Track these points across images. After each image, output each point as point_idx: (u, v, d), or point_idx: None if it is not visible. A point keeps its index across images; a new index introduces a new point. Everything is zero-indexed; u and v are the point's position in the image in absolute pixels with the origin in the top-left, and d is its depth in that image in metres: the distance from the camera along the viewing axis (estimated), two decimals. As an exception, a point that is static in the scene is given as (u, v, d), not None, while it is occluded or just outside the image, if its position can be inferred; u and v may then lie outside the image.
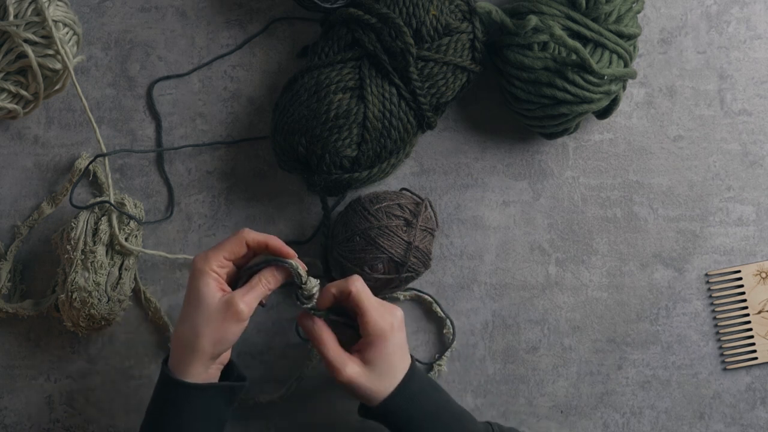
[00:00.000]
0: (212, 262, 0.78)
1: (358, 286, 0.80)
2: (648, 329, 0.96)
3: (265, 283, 0.79)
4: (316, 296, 0.81)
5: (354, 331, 0.82)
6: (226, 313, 0.77)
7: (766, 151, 0.97)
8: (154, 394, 0.80)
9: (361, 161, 0.89)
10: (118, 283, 0.90)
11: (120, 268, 0.91)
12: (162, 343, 0.95)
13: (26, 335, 0.95)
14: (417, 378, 0.82)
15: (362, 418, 0.84)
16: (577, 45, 0.86)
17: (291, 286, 0.81)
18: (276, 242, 0.80)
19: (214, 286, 0.77)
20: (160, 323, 0.94)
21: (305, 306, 0.81)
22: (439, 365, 0.95)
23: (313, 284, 0.80)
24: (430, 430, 0.80)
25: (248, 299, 0.77)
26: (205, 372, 0.78)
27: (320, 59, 0.90)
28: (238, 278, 0.81)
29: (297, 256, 0.80)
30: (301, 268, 0.80)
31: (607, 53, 0.88)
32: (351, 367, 0.79)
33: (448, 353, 0.95)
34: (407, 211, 0.88)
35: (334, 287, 0.81)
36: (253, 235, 0.79)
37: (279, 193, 0.96)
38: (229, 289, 0.79)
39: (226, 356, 0.80)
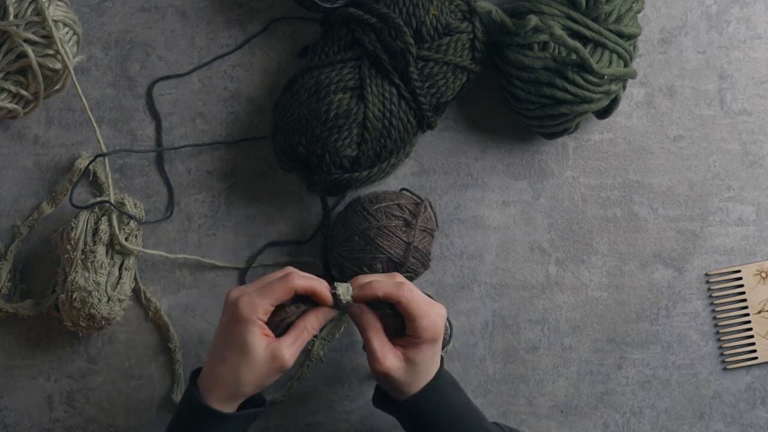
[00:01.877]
0: (260, 311, 0.76)
1: (407, 294, 0.78)
2: (648, 329, 0.96)
3: (310, 329, 0.79)
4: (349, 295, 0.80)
5: (394, 320, 0.81)
6: (272, 364, 0.77)
7: (766, 151, 0.97)
8: (182, 416, 0.80)
9: (361, 161, 0.89)
10: (118, 283, 0.90)
11: (120, 268, 0.91)
12: (162, 342, 0.95)
13: (26, 335, 0.95)
14: (445, 375, 0.82)
15: (378, 408, 0.84)
16: (577, 45, 0.86)
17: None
18: (322, 290, 0.78)
19: (260, 335, 0.76)
20: (160, 323, 0.95)
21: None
22: None
23: (344, 292, 0.79)
24: (455, 427, 0.80)
25: (294, 350, 0.78)
26: (236, 404, 0.79)
27: (320, 59, 0.90)
28: (271, 318, 0.79)
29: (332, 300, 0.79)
30: (338, 293, 0.79)
31: (607, 53, 0.88)
32: (391, 360, 0.78)
33: (443, 353, 0.95)
34: (407, 211, 0.88)
35: (381, 291, 0.78)
36: (302, 282, 0.77)
37: (279, 193, 0.96)
38: (270, 333, 0.78)
39: None
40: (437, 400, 0.80)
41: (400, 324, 0.80)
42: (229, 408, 0.78)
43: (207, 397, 0.78)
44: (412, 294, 0.78)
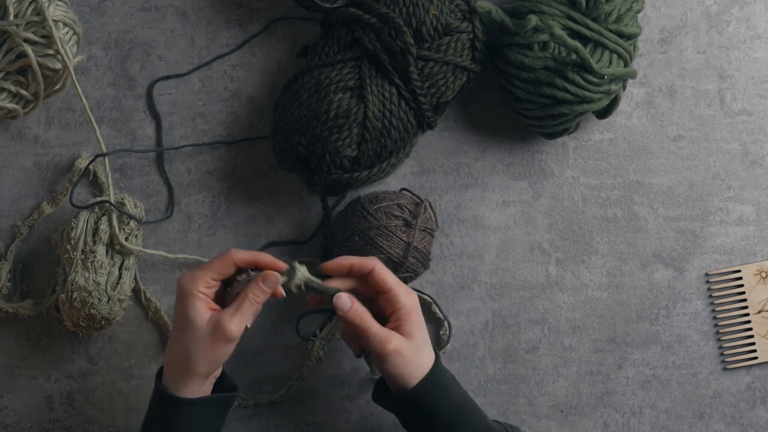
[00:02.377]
0: (199, 283, 0.77)
1: (379, 265, 0.80)
2: (648, 329, 0.96)
3: (253, 299, 0.78)
4: (307, 276, 0.79)
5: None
6: (215, 335, 0.76)
7: (766, 150, 0.97)
8: (151, 410, 0.80)
9: (361, 161, 0.89)
10: (118, 283, 0.90)
11: (120, 268, 0.91)
12: (162, 342, 0.95)
13: (26, 335, 0.95)
14: (445, 370, 0.82)
15: (377, 404, 0.84)
16: (577, 45, 0.86)
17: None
18: (265, 259, 0.79)
19: (201, 308, 0.77)
20: (160, 323, 0.95)
21: (315, 288, 0.79)
22: None
23: (303, 274, 0.79)
24: (457, 421, 0.80)
25: (237, 319, 0.77)
26: (199, 389, 0.79)
27: (320, 59, 0.90)
28: (226, 295, 0.80)
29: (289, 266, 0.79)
30: (298, 271, 0.78)
31: (607, 53, 0.88)
32: (397, 339, 0.79)
33: (441, 353, 0.95)
34: (407, 211, 0.88)
35: (349, 260, 0.80)
36: (242, 255, 0.78)
37: (279, 193, 0.96)
38: (217, 307, 0.78)
39: (218, 371, 0.81)
40: (437, 392, 0.80)
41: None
42: (193, 385, 0.78)
43: (167, 383, 0.78)
44: (382, 264, 0.81)
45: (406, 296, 0.80)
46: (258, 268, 0.79)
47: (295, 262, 0.79)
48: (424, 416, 0.80)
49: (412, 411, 0.81)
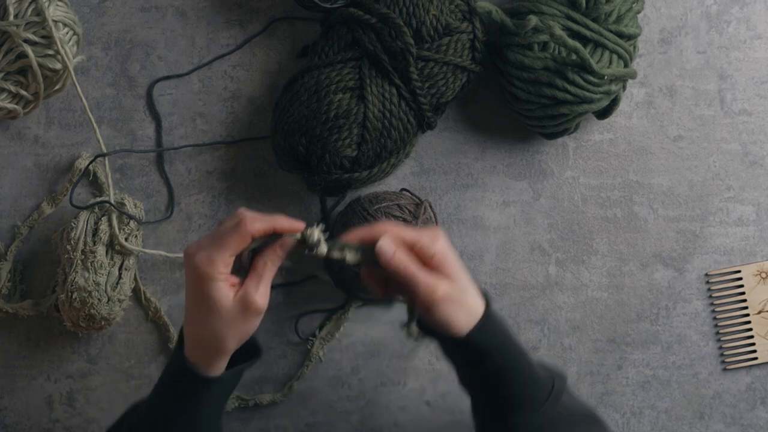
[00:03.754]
0: (219, 265, 0.72)
1: (387, 230, 0.74)
2: (648, 329, 0.96)
3: (271, 266, 0.74)
4: (321, 239, 0.74)
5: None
6: (246, 312, 0.73)
7: (766, 151, 0.97)
8: (167, 384, 0.76)
9: (361, 161, 0.89)
10: (118, 283, 0.90)
11: (120, 268, 0.91)
12: (162, 342, 0.95)
13: (26, 335, 0.95)
14: (495, 314, 0.77)
15: (447, 357, 0.78)
16: (577, 45, 0.86)
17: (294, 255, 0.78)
18: (283, 224, 0.74)
19: (225, 288, 0.72)
20: (160, 323, 0.95)
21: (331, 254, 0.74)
22: (431, 364, 0.95)
23: (316, 236, 0.74)
24: (518, 361, 0.76)
25: (262, 290, 0.73)
26: (224, 363, 0.75)
27: (320, 59, 0.90)
28: (236, 260, 0.74)
29: (305, 224, 0.74)
30: (309, 231, 0.73)
31: (607, 53, 0.88)
32: (444, 284, 0.73)
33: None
34: (407, 211, 0.88)
35: (360, 232, 0.74)
36: (258, 225, 0.72)
37: (279, 193, 0.96)
38: (236, 280, 0.74)
39: None
40: (488, 340, 0.74)
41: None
42: (221, 362, 0.74)
43: (193, 360, 0.74)
44: (393, 228, 0.75)
45: (433, 242, 0.74)
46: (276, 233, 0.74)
47: (309, 229, 0.74)
48: (473, 364, 0.75)
49: (465, 358, 0.76)
